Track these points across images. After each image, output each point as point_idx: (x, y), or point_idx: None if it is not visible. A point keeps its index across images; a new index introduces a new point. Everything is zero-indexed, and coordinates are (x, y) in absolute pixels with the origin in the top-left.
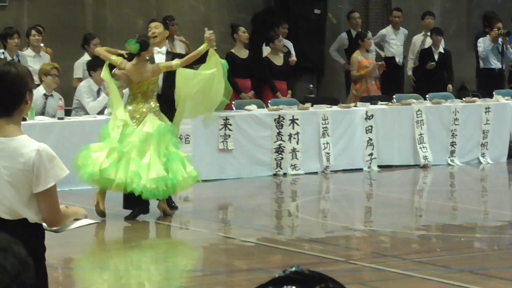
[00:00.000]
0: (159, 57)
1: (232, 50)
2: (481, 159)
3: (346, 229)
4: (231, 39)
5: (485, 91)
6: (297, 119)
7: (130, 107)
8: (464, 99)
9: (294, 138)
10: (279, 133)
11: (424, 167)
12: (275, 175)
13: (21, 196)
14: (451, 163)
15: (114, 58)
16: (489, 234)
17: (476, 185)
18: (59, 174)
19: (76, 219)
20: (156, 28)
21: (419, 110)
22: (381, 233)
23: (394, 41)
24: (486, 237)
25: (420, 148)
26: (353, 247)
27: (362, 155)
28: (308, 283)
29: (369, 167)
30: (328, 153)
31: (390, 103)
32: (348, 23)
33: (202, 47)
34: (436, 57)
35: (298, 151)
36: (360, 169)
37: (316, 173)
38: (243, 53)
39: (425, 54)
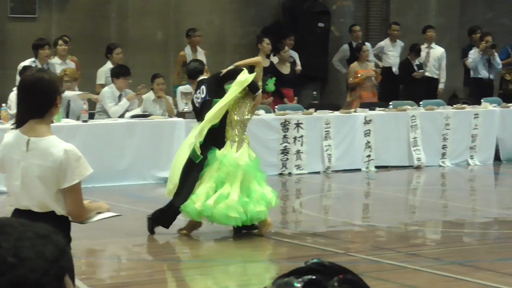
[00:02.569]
0: None
1: None
2: (470, 161)
3: (346, 224)
4: (243, 50)
5: (475, 99)
6: (301, 123)
7: (245, 138)
8: (455, 106)
9: (299, 140)
10: (285, 136)
11: (418, 168)
12: (281, 174)
13: (50, 191)
14: (442, 164)
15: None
16: (477, 230)
17: (465, 185)
18: (84, 172)
19: (99, 213)
20: None
21: (413, 116)
22: (378, 228)
23: (392, 53)
24: (475, 232)
25: (414, 150)
26: (352, 241)
27: (361, 157)
28: (329, 273)
29: (367, 168)
30: (330, 155)
31: (387, 109)
32: (350, 35)
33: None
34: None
35: (302, 152)
36: (359, 170)
37: (318, 172)
38: (266, 63)
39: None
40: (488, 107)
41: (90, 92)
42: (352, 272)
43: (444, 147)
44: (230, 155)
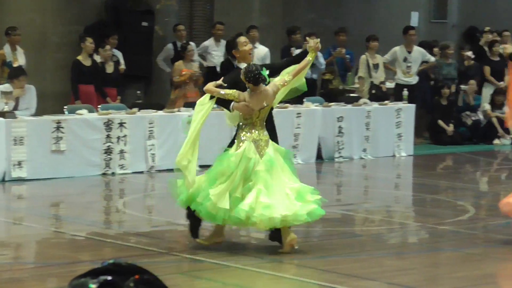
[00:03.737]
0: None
1: (78, 58)
2: (293, 160)
3: (169, 223)
4: (65, 49)
5: (298, 98)
6: (125, 123)
7: (251, 135)
8: (277, 105)
9: (122, 140)
10: (108, 136)
11: None
12: (104, 174)
13: None
14: None
15: (228, 92)
16: (299, 227)
17: None
18: None
19: None
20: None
21: None
22: (201, 227)
23: (216, 52)
24: (297, 230)
25: None
26: (175, 240)
27: None
28: (125, 274)
29: None
30: (153, 154)
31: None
32: (174, 35)
33: (310, 57)
34: None
35: (125, 152)
36: None
37: (142, 172)
38: (88, 62)
39: None
40: (310, 106)
41: None
42: (149, 272)
43: None
44: (225, 154)
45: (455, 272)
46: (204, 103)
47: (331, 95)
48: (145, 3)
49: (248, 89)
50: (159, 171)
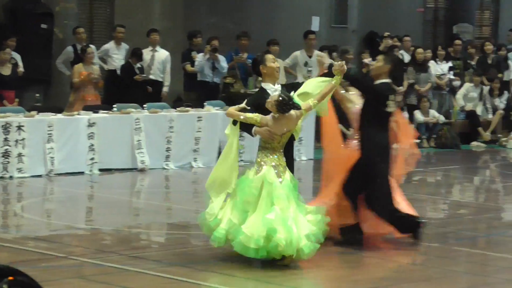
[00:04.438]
0: (276, 94)
1: None
2: (193, 164)
3: (69, 227)
4: None
5: (202, 102)
6: (23, 126)
7: (271, 160)
8: (178, 109)
9: (20, 143)
10: (6, 139)
11: (142, 170)
12: (1, 178)
13: None
14: (166, 167)
15: (249, 116)
16: (200, 232)
17: (189, 187)
18: None
19: None
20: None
21: (137, 119)
22: (102, 231)
23: (117, 55)
24: (199, 234)
25: (138, 153)
26: (75, 244)
27: (85, 159)
28: None
29: (91, 171)
30: (52, 158)
31: (111, 112)
32: (74, 37)
33: (336, 81)
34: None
35: (24, 155)
36: (82, 172)
37: (41, 176)
38: None
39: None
40: (211, 110)
41: None
42: (24, 274)
43: (168, 149)
44: (245, 180)
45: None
46: (230, 134)
47: (232, 99)
48: (44, 6)
49: (272, 113)
50: (58, 174)
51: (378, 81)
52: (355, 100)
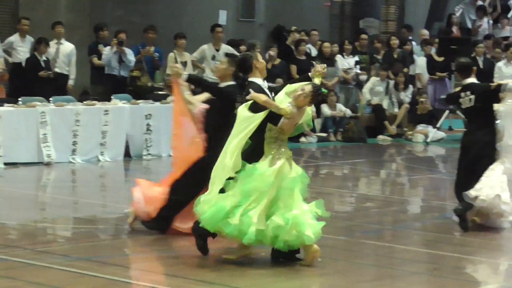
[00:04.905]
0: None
1: None
2: (100, 157)
3: None
4: None
5: (109, 96)
6: None
7: (285, 153)
8: (85, 102)
9: None
10: None
11: (48, 164)
12: None
13: None
14: (72, 161)
15: (283, 107)
16: (108, 225)
17: (96, 181)
18: None
19: None
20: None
21: (43, 112)
22: (6, 226)
23: (22, 48)
24: (106, 228)
25: (44, 147)
26: None
27: None
28: None
29: None
30: None
31: (16, 105)
32: None
33: (317, 82)
34: None
35: None
36: None
37: None
38: None
39: None
40: (118, 103)
41: None
42: None
43: (74, 143)
44: (258, 168)
45: None
46: (251, 118)
47: (139, 92)
48: None
49: (292, 105)
50: None
51: (224, 83)
52: (195, 103)
